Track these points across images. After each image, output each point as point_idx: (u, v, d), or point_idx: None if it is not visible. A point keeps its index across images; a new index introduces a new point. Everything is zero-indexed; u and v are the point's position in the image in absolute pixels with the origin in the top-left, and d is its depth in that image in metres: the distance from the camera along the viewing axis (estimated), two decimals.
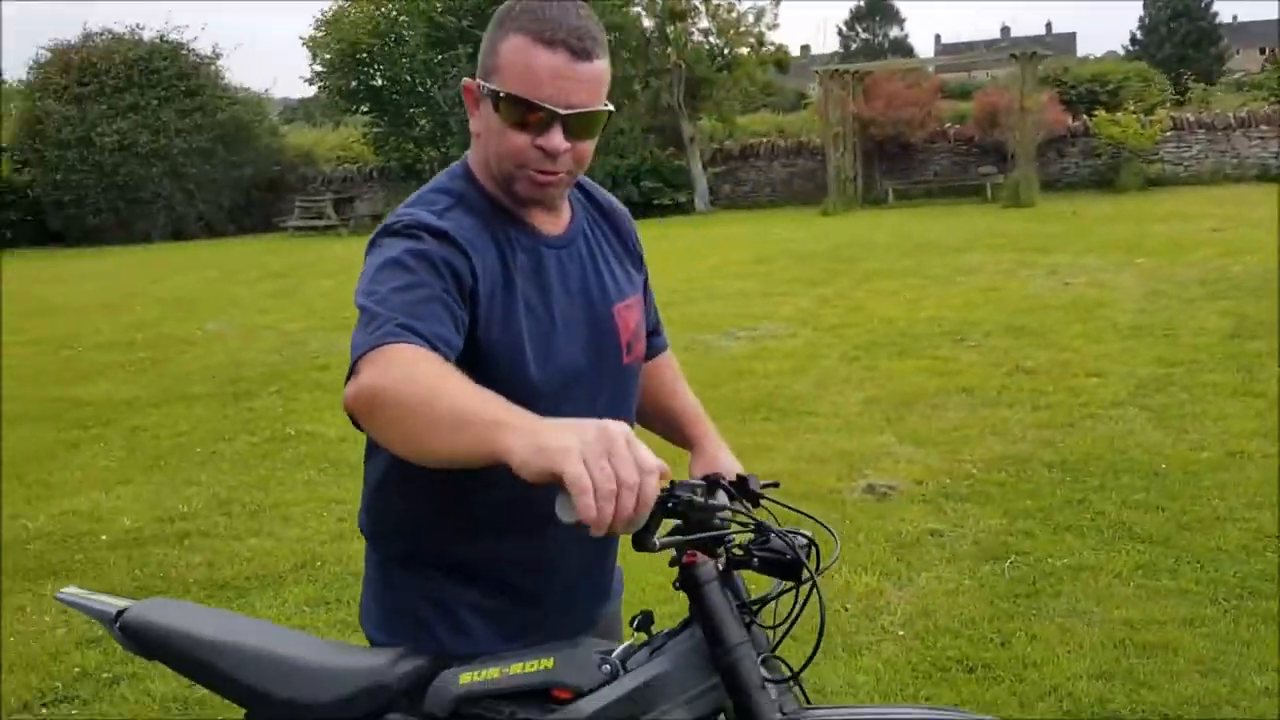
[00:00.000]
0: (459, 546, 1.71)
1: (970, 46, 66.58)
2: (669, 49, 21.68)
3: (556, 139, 1.56)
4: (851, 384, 7.14)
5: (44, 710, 3.49)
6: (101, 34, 23.94)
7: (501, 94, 1.56)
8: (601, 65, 1.58)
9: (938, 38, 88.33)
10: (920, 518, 4.73)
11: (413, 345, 1.41)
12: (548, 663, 1.57)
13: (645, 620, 1.61)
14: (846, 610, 3.92)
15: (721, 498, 1.72)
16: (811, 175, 22.36)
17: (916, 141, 21.75)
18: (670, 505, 1.40)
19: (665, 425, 2.01)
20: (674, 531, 1.51)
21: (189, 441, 6.60)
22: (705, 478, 1.80)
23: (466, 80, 1.65)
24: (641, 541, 1.36)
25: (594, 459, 1.20)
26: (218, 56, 24.73)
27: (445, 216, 1.60)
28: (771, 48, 22.84)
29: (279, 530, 4.97)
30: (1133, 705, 3.18)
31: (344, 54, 23.06)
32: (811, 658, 1.53)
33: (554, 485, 1.23)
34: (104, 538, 4.97)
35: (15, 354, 9.92)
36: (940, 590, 4.03)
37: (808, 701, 1.63)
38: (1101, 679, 3.34)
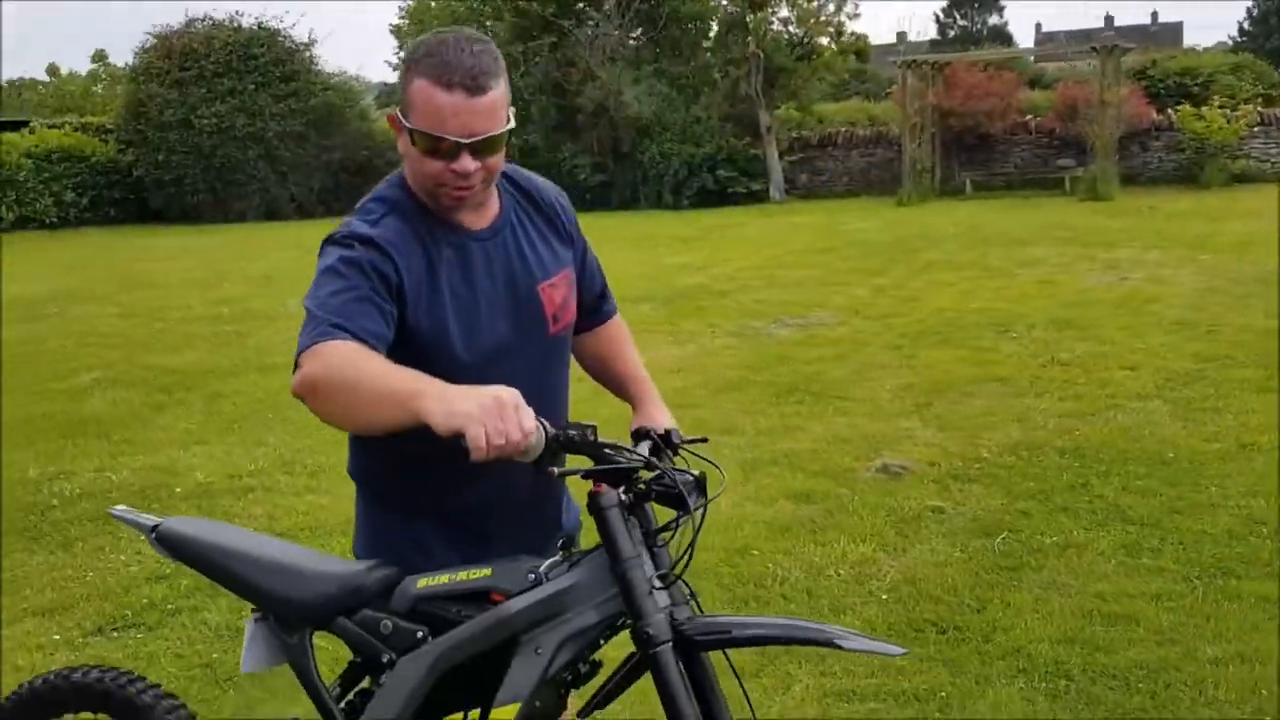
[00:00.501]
0: (419, 490, 2.08)
1: (1050, 38, 64.98)
2: (748, 38, 21.85)
3: (465, 162, 1.87)
4: (889, 371, 7.37)
5: (114, 634, 3.97)
6: (202, 20, 24.93)
7: (416, 130, 1.86)
8: (495, 94, 1.86)
9: (1038, 26, 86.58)
10: (926, 496, 4.99)
11: (344, 340, 1.76)
12: (487, 572, 1.93)
13: (568, 542, 1.96)
14: (839, 575, 4.22)
15: (644, 446, 2.07)
16: (889, 165, 22.37)
17: (996, 133, 21.61)
18: (560, 440, 1.74)
19: (612, 385, 2.34)
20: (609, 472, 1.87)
21: (262, 408, 7.12)
22: (636, 430, 2.16)
23: (389, 112, 1.96)
24: (539, 470, 1.71)
25: (490, 421, 1.59)
26: (312, 43, 25.60)
27: (378, 224, 1.93)
28: (852, 37, 22.87)
29: (335, 489, 5.42)
30: (1085, 667, 3.44)
31: None
32: (687, 564, 1.85)
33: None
34: (178, 490, 5.48)
35: (112, 324, 10.64)
36: (930, 561, 4.30)
37: (700, 613, 1.95)
38: (1063, 643, 3.59)
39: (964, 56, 24.56)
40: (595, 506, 1.84)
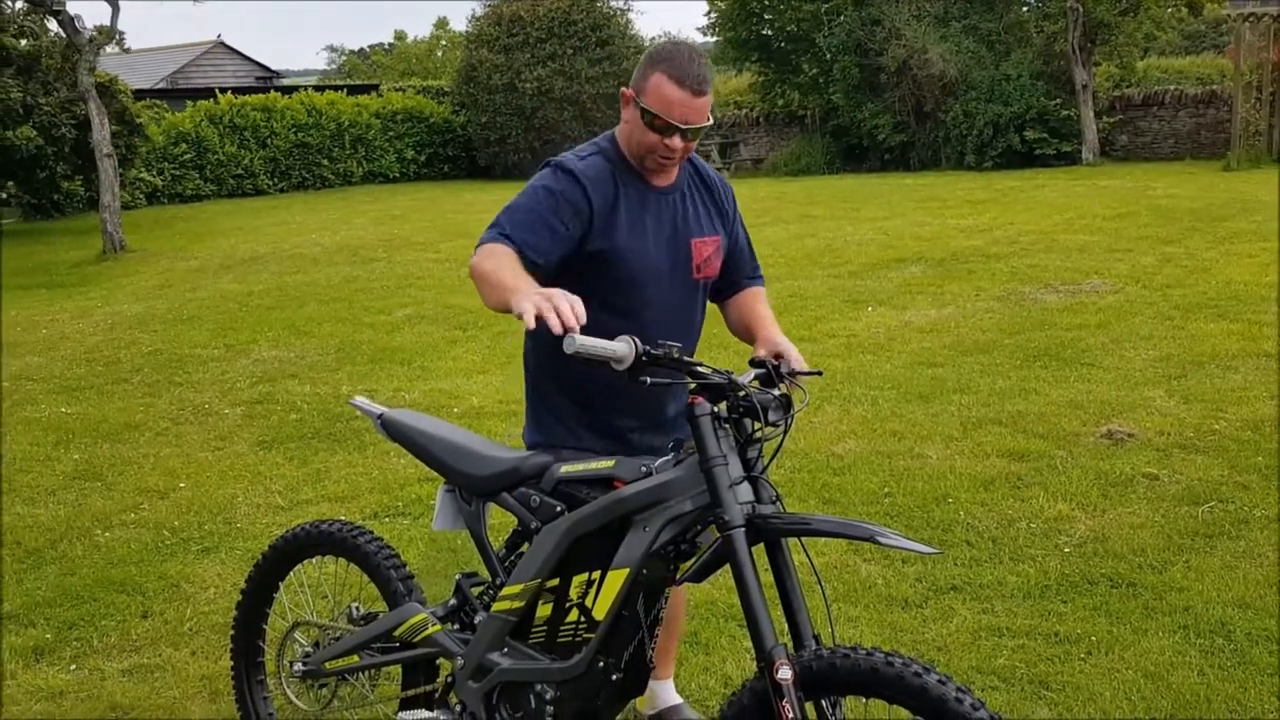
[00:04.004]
0: (556, 377, 2.71)
1: None
2: None
3: (675, 142, 2.51)
4: (1150, 342, 7.17)
5: (386, 520, 4.78)
6: None
7: (647, 109, 2.47)
8: (710, 98, 2.48)
9: None
10: (1143, 463, 4.98)
11: (503, 245, 2.42)
12: (611, 464, 2.40)
13: (677, 445, 2.38)
14: (1028, 528, 4.37)
15: (752, 373, 2.45)
16: (1220, 127, 20.72)
17: None
18: (647, 355, 2.16)
19: (744, 332, 2.80)
20: (706, 388, 2.29)
21: None
22: (752, 359, 2.54)
23: (624, 89, 2.55)
24: (633, 378, 2.15)
25: (541, 302, 2.13)
26: (628, 9, 26.72)
27: (584, 160, 2.58)
28: None
29: None
30: (1250, 630, 3.48)
31: (736, 5, 24.16)
32: (765, 468, 2.23)
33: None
34: (455, 410, 6.32)
35: (428, 269, 11.94)
36: (1126, 523, 4.36)
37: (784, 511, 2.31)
38: (1235, 607, 3.63)
39: None
40: (690, 414, 2.26)
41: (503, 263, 2.36)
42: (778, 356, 2.52)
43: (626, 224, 2.57)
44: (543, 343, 2.67)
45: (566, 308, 2.11)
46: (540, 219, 2.47)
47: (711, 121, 2.54)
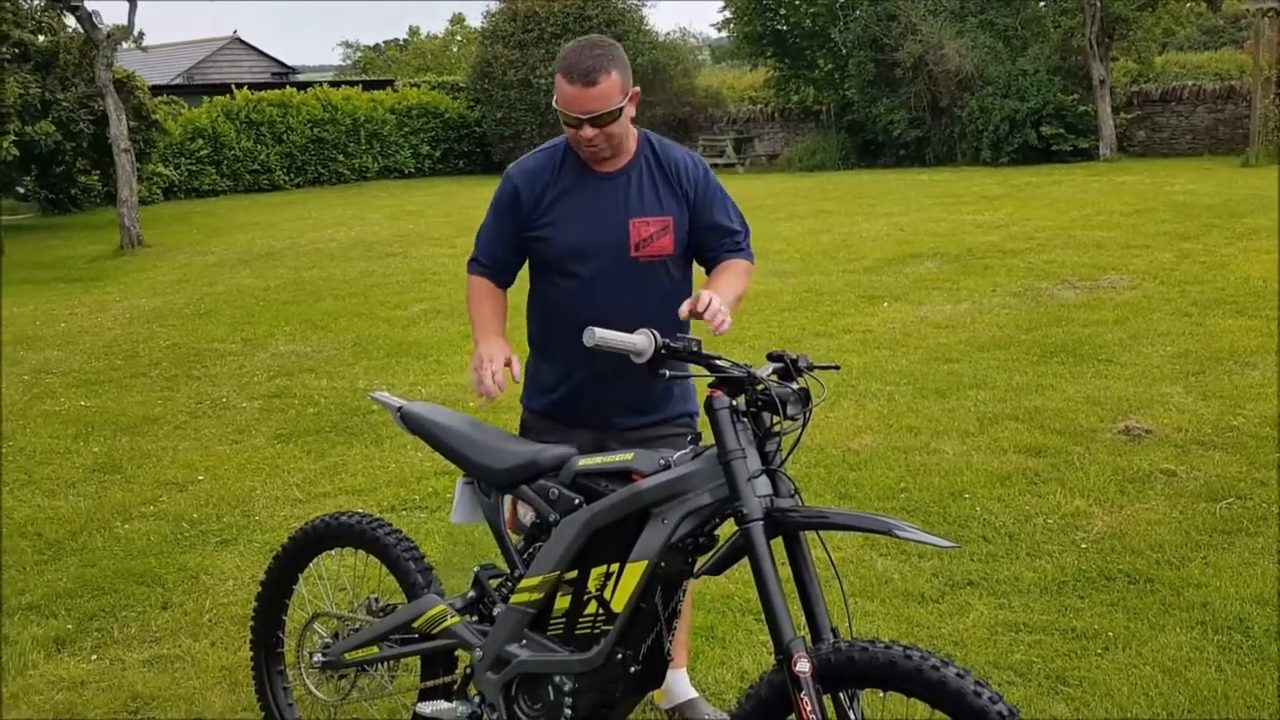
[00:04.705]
0: (544, 351, 2.92)
1: None
2: None
3: (587, 131, 2.65)
4: (1168, 338, 7.14)
5: (403, 513, 4.80)
6: None
7: (556, 108, 2.66)
8: (605, 85, 2.59)
9: None
10: (1161, 459, 4.96)
11: (476, 276, 2.90)
12: (629, 457, 2.41)
13: (695, 439, 2.39)
14: (1045, 524, 4.36)
15: (770, 367, 2.45)
16: (1239, 123, 20.57)
17: None
18: (666, 349, 2.18)
19: None
20: (725, 381, 2.29)
21: None
22: (770, 354, 2.54)
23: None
24: (652, 372, 2.16)
25: (476, 364, 2.68)
26: (641, 4, 26.68)
27: (533, 156, 2.83)
28: None
29: None
30: (1268, 627, 3.46)
31: (751, 1, 24.11)
32: (783, 461, 2.24)
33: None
34: (472, 403, 6.33)
35: (444, 264, 11.97)
36: (1144, 519, 4.35)
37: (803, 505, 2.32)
38: (1254, 603, 3.62)
39: None
40: (709, 408, 2.27)
41: (478, 303, 2.87)
42: (696, 302, 2.51)
43: (554, 208, 2.76)
44: (534, 316, 2.95)
45: (487, 377, 2.63)
46: (494, 231, 2.85)
47: (618, 106, 2.62)
